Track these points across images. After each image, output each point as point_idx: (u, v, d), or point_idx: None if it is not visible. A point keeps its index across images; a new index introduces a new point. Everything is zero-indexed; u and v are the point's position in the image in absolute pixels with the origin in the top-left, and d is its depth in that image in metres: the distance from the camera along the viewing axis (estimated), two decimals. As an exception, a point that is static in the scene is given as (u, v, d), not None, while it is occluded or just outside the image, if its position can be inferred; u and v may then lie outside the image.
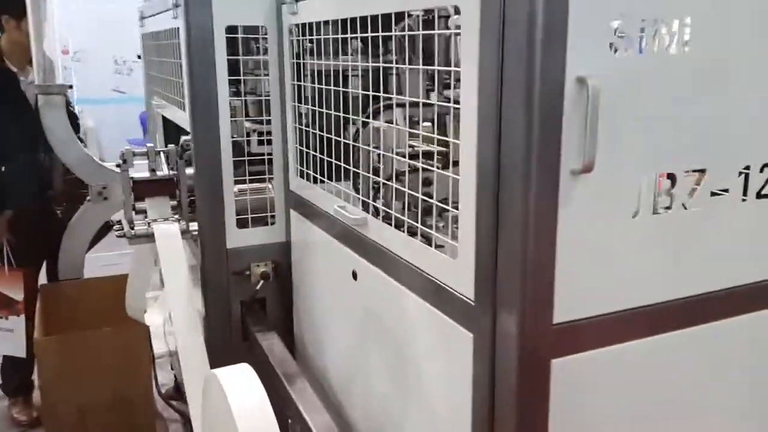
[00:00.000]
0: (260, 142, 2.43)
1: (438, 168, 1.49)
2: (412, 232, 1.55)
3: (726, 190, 1.34)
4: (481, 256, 1.27)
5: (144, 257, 2.53)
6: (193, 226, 2.38)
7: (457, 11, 1.31)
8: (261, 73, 2.40)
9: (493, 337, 1.27)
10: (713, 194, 1.33)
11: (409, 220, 1.56)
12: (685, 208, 1.30)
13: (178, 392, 3.42)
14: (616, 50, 1.16)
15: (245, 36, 2.27)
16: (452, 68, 1.35)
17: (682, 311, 1.32)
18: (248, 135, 2.43)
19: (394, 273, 1.61)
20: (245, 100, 2.46)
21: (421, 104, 1.68)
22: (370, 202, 1.73)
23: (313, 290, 2.22)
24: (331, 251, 1.98)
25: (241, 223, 2.35)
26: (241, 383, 1.51)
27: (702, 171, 1.32)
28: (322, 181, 2.04)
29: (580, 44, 1.12)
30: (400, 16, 1.62)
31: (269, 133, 2.37)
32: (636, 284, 1.28)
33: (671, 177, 1.29)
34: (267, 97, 2.32)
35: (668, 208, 1.30)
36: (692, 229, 1.31)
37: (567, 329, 1.23)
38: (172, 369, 3.50)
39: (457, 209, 1.33)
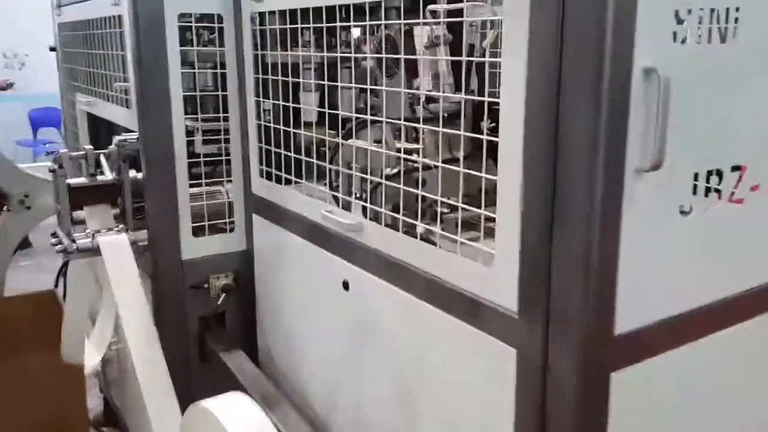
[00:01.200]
0: (205, 142, 2.22)
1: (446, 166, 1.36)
2: (417, 237, 1.42)
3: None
4: (528, 263, 1.16)
5: (80, 286, 2.23)
6: (141, 236, 2.14)
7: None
8: (205, 66, 2.20)
9: (545, 353, 1.16)
10: (752, 189, 1.29)
11: (424, 224, 1.43)
12: (732, 204, 1.25)
13: (107, 417, 3.14)
14: (683, 40, 1.08)
15: (199, 25, 2.06)
16: (485, 59, 1.23)
17: (733, 308, 1.28)
18: (191, 134, 2.21)
19: (404, 283, 1.47)
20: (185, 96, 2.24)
21: (423, 98, 1.57)
22: (368, 205, 1.59)
23: (285, 303, 2.04)
24: (312, 259, 1.82)
25: (196, 232, 2.13)
26: (243, 419, 1.32)
27: (741, 167, 1.27)
28: (290, 182, 1.88)
29: (647, 32, 1.03)
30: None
31: (218, 131, 2.17)
32: (691, 284, 1.21)
33: (719, 173, 1.23)
34: (224, 93, 2.11)
35: (715, 204, 1.24)
36: (740, 224, 1.27)
37: (628, 338, 1.14)
38: (101, 392, 3.20)
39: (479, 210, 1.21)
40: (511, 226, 1.17)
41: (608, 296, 1.11)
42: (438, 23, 1.73)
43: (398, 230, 1.48)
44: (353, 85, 1.74)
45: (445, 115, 1.72)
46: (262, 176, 2.06)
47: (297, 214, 1.87)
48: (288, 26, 1.78)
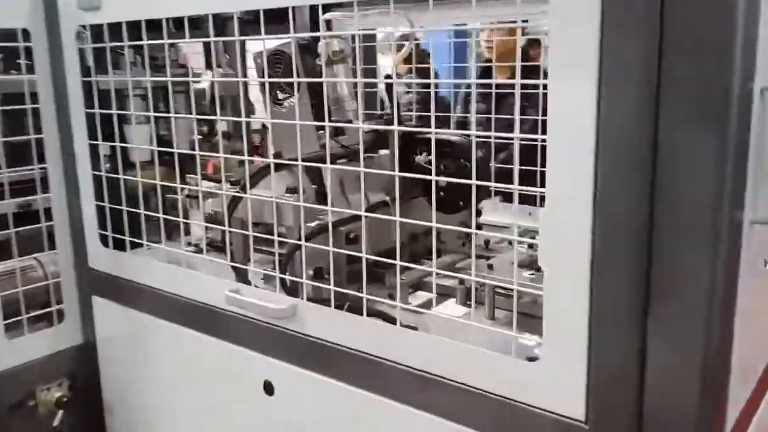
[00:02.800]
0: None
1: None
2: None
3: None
4: (604, 351, 0.85)
5: None
6: None
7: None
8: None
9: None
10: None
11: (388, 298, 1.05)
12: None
13: None
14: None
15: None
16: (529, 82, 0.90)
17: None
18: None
19: (376, 385, 1.08)
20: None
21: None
22: (305, 280, 1.17)
23: (157, 412, 1.51)
24: (205, 356, 1.34)
25: (11, 328, 1.52)
26: None
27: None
28: (139, 245, 1.39)
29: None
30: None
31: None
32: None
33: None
34: (37, 136, 1.54)
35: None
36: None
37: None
38: None
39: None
40: (571, 304, 0.85)
41: (723, 389, 0.83)
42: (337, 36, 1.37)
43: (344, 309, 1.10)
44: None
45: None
46: (105, 244, 1.52)
47: (171, 294, 1.38)
48: (145, 42, 1.30)
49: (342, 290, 1.11)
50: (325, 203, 1.29)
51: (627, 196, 0.80)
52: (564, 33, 0.81)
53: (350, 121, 1.35)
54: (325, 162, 1.17)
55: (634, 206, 0.79)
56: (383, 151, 1.42)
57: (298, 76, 1.20)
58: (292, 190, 1.33)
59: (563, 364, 0.88)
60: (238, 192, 1.28)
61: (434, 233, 1.24)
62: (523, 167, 0.89)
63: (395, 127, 1.14)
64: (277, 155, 1.24)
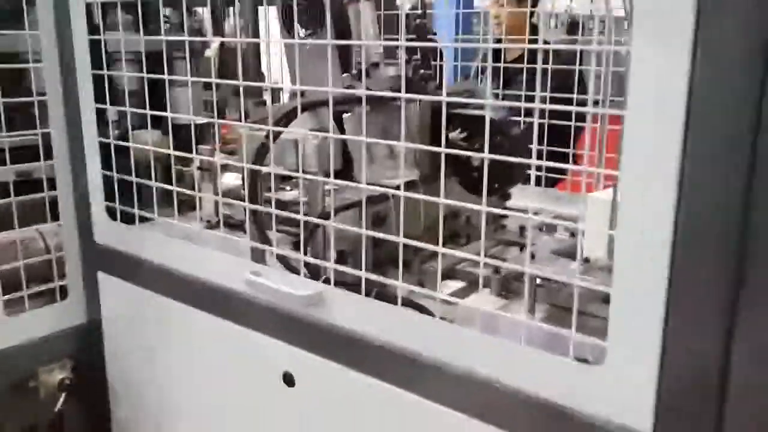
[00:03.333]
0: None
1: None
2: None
3: None
4: (681, 359, 0.75)
5: None
6: None
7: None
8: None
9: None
10: None
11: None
12: None
13: None
14: None
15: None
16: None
17: None
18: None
19: (409, 382, 0.98)
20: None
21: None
22: (331, 266, 1.06)
23: (166, 399, 1.42)
24: (222, 341, 1.25)
25: (11, 306, 1.42)
26: None
27: None
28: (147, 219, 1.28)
29: None
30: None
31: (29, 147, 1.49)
32: None
33: None
34: (40, 98, 1.43)
35: None
36: None
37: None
38: None
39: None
40: (643, 301, 0.75)
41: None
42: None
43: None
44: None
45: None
46: (112, 217, 1.42)
47: (188, 276, 1.28)
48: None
49: (375, 277, 1.00)
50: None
51: (720, 176, 0.69)
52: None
53: (377, 64, 1.24)
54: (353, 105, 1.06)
55: (728, 187, 0.69)
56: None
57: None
58: (317, 131, 1.20)
59: (631, 367, 0.78)
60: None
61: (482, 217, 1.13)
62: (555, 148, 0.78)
63: (442, 98, 1.02)
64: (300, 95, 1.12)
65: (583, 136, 1.64)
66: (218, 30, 2.16)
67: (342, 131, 1.17)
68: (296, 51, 1.03)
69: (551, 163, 0.90)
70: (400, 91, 0.94)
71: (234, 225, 1.43)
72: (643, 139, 0.73)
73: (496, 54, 2.40)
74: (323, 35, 1.15)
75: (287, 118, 1.12)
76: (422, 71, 1.34)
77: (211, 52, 1.91)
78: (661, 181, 0.72)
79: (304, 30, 1.28)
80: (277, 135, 1.11)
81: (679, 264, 0.73)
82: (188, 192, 1.28)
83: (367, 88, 1.22)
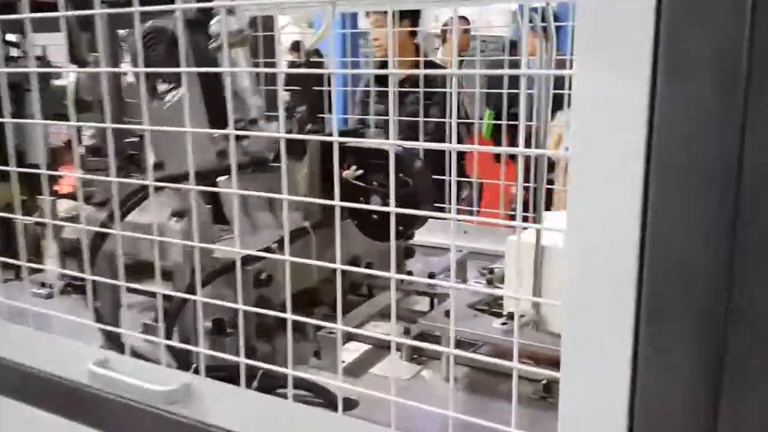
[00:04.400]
0: None
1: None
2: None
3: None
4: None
5: None
6: None
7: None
8: None
9: None
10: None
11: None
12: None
13: None
14: None
15: None
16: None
17: None
18: None
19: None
20: None
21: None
22: (202, 351, 0.82)
23: None
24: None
25: None
26: None
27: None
28: None
29: None
30: None
31: None
32: None
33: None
34: None
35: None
36: None
37: None
38: None
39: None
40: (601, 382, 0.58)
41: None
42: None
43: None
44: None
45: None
46: None
47: (15, 363, 1.01)
48: None
49: (257, 364, 0.78)
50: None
51: (693, 229, 0.53)
52: None
53: (255, 121, 1.03)
54: (222, 174, 0.86)
55: (706, 243, 0.52)
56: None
57: (186, 60, 0.85)
58: (180, 214, 1.00)
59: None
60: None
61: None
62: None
63: (335, 138, 0.82)
64: (157, 167, 0.90)
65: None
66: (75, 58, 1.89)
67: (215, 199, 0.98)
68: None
69: (462, 208, 0.71)
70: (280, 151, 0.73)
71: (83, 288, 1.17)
72: (591, 178, 0.56)
73: (383, 76, 2.30)
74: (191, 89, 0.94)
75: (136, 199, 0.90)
76: (308, 126, 1.17)
77: (64, 82, 1.64)
78: (619, 229, 0.54)
79: (165, 84, 1.06)
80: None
81: (645, 338, 0.56)
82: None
83: (245, 152, 1.03)
